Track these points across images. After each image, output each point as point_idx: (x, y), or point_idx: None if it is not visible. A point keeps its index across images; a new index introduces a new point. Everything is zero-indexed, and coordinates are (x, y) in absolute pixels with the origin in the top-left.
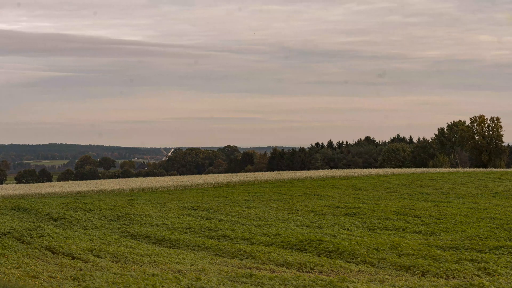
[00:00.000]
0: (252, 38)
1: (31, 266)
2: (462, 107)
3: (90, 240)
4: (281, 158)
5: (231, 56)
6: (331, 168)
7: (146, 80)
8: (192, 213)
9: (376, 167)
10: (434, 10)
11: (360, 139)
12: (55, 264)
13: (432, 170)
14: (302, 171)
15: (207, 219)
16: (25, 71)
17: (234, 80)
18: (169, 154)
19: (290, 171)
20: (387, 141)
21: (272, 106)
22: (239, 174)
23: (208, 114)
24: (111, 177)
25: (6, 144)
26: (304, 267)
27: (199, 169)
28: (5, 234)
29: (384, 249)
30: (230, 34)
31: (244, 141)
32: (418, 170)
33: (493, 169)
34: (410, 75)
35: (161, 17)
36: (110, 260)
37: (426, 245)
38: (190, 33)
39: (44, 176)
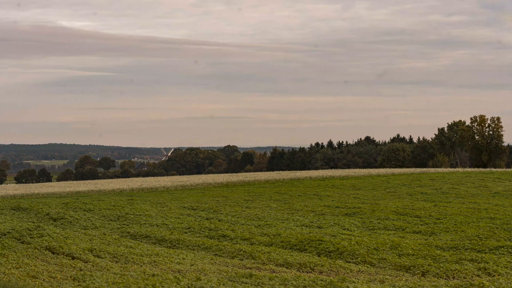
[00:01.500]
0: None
1: (31, 266)
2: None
3: (90, 240)
4: (281, 158)
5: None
6: (331, 168)
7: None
8: (192, 213)
9: (376, 167)
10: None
11: (360, 139)
12: (55, 264)
13: (432, 170)
14: (302, 171)
15: (207, 219)
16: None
17: (234, 80)
18: (169, 154)
19: (290, 171)
20: (387, 141)
21: (271, 105)
22: (239, 174)
23: (208, 114)
24: (111, 177)
25: (6, 144)
26: (304, 267)
27: (199, 169)
28: (5, 234)
29: (384, 249)
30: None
31: (244, 141)
32: (418, 170)
33: (493, 169)
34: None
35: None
36: (110, 260)
37: (426, 245)
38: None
39: (44, 176)
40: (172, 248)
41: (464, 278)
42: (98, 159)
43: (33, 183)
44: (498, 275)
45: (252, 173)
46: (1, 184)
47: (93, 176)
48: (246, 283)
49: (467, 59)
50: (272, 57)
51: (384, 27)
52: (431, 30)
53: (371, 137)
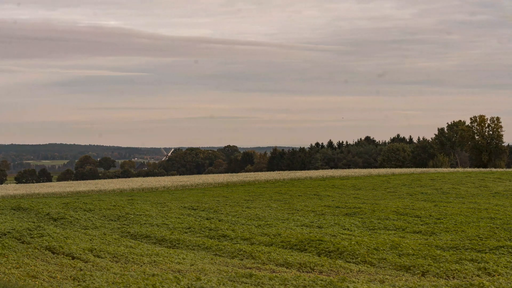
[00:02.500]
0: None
1: (31, 266)
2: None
3: (90, 240)
4: (281, 158)
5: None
6: (331, 168)
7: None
8: (192, 213)
9: (376, 167)
10: None
11: (360, 139)
12: (55, 264)
13: (432, 170)
14: (302, 171)
15: (207, 219)
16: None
17: (233, 79)
18: (169, 154)
19: (290, 171)
20: (387, 141)
21: (274, 105)
22: (239, 174)
23: (208, 113)
24: (111, 177)
25: (6, 144)
26: (304, 267)
27: (199, 169)
28: (5, 234)
29: (384, 249)
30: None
31: (244, 141)
32: (418, 170)
33: (493, 169)
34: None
35: None
36: (110, 260)
37: (426, 245)
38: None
39: (44, 176)
40: (172, 248)
41: (464, 278)
42: (98, 159)
43: (33, 183)
44: (498, 275)
45: (252, 173)
46: (1, 184)
47: (93, 176)
48: (246, 283)
49: (477, 59)
50: (277, 56)
51: (408, 26)
52: (453, 29)
53: (371, 137)
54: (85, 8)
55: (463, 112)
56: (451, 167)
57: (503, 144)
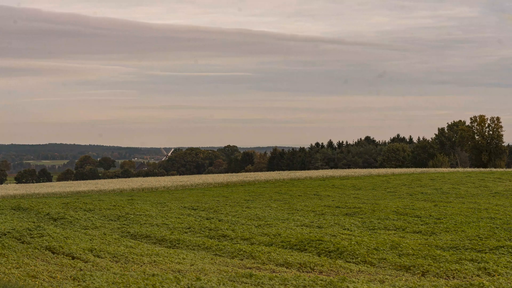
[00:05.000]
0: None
1: (31, 266)
2: None
3: (90, 240)
4: (281, 158)
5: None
6: (331, 168)
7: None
8: (192, 213)
9: (376, 167)
10: None
11: (360, 139)
12: (55, 264)
13: (432, 170)
14: (302, 171)
15: (207, 219)
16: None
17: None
18: (169, 154)
19: (290, 171)
20: (387, 141)
21: (274, 104)
22: (239, 174)
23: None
24: (111, 177)
25: (6, 144)
26: (304, 267)
27: (199, 169)
28: (5, 234)
29: (384, 249)
30: None
31: (244, 141)
32: (418, 170)
33: (493, 169)
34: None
35: None
36: (110, 260)
37: (426, 245)
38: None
39: (44, 176)
40: (172, 248)
41: (464, 278)
42: (98, 159)
43: (33, 183)
44: (498, 275)
45: (252, 173)
46: (1, 184)
47: (93, 176)
48: (246, 283)
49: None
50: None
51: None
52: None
53: (371, 137)
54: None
55: (463, 112)
56: (451, 167)
57: (503, 144)
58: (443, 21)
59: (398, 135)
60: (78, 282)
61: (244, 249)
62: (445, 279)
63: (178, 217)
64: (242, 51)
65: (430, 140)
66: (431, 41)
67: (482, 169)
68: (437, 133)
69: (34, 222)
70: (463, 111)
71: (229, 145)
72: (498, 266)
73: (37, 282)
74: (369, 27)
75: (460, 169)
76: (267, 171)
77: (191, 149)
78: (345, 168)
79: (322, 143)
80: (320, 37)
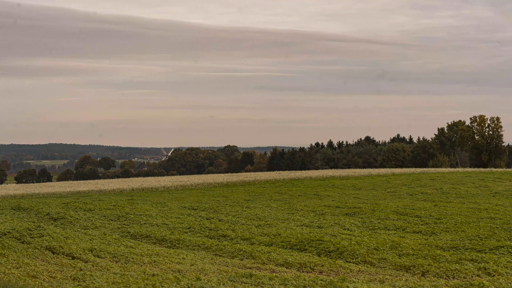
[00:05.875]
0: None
1: (31, 266)
2: None
3: (90, 240)
4: (281, 158)
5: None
6: (331, 168)
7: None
8: (192, 213)
9: (376, 167)
10: None
11: (360, 139)
12: (55, 264)
13: (432, 170)
14: (302, 171)
15: (207, 219)
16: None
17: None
18: (169, 154)
19: (290, 171)
20: (387, 141)
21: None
22: (239, 174)
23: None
24: (111, 177)
25: (6, 144)
26: (304, 267)
27: (199, 169)
28: (5, 234)
29: (384, 249)
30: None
31: (244, 141)
32: (418, 170)
33: (493, 169)
34: None
35: None
36: (110, 260)
37: (426, 245)
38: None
39: (44, 176)
40: (172, 248)
41: (464, 278)
42: (98, 159)
43: (33, 183)
44: (498, 275)
45: (252, 173)
46: (1, 184)
47: (93, 176)
48: (246, 283)
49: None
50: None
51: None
52: None
53: (371, 137)
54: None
55: (463, 112)
56: (451, 167)
57: (503, 144)
58: (462, 20)
59: (398, 135)
60: (78, 282)
61: (244, 249)
62: (445, 279)
63: (178, 217)
64: (243, 49)
65: (430, 140)
66: (448, 41)
67: (482, 169)
68: (437, 133)
69: (34, 222)
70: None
71: (229, 145)
72: (498, 266)
73: (37, 282)
74: (386, 26)
75: (460, 169)
76: (267, 171)
77: (191, 149)
78: (345, 168)
79: (322, 143)
80: (321, 34)
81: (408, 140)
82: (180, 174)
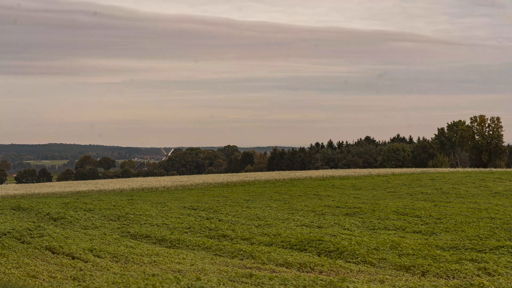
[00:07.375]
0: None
1: (31, 266)
2: None
3: (90, 240)
4: (281, 158)
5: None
6: (331, 168)
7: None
8: (192, 213)
9: (376, 167)
10: None
11: (360, 139)
12: (55, 264)
13: (432, 170)
14: (302, 171)
15: (207, 219)
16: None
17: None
18: (169, 154)
19: (290, 171)
20: (387, 141)
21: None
22: (239, 174)
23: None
24: (111, 177)
25: (6, 144)
26: (304, 267)
27: (199, 169)
28: (5, 234)
29: (384, 249)
30: None
31: (244, 141)
32: (418, 170)
33: (493, 169)
34: None
35: None
36: (110, 260)
37: (426, 245)
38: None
39: (44, 176)
40: (172, 248)
41: (464, 278)
42: (98, 159)
43: (33, 183)
44: (498, 275)
45: (252, 173)
46: (1, 184)
47: (93, 176)
48: (246, 283)
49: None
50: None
51: None
52: None
53: (371, 137)
54: None
55: (463, 112)
56: (451, 167)
57: (503, 144)
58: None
59: (398, 135)
60: (78, 282)
61: (244, 249)
62: (445, 279)
63: (178, 217)
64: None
65: (430, 140)
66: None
67: (482, 169)
68: (437, 133)
69: (34, 222)
70: (463, 111)
71: (229, 145)
72: (498, 266)
73: (37, 282)
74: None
75: (460, 169)
76: (267, 171)
77: (191, 149)
78: (345, 168)
79: (322, 143)
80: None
81: (408, 140)
82: (180, 174)
